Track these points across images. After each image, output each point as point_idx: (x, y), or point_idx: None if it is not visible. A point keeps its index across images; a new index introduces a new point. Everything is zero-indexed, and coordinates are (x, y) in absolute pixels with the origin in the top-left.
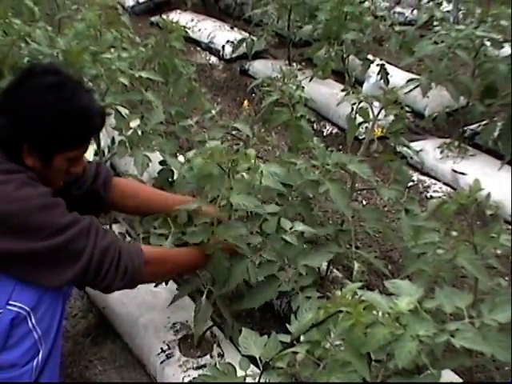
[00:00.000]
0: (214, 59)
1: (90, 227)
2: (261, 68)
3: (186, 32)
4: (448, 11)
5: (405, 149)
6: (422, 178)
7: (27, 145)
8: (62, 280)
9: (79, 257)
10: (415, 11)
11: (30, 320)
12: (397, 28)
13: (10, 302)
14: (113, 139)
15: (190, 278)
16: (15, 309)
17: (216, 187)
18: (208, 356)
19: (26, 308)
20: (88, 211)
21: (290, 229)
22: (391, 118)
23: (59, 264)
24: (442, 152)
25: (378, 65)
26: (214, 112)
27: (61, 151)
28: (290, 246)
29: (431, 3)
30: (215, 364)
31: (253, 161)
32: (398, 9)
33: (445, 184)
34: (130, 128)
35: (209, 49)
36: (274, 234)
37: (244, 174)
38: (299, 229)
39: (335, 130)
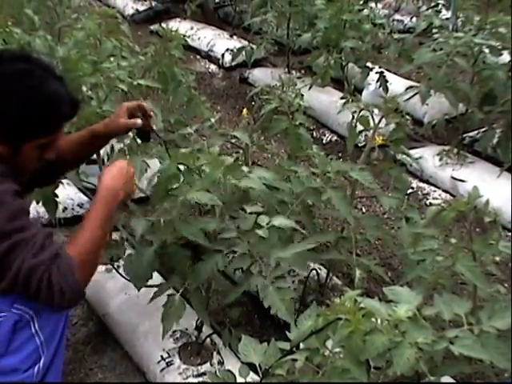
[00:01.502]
0: (213, 67)
1: (28, 241)
2: (260, 76)
3: (186, 40)
4: (447, 19)
5: (404, 156)
6: (422, 185)
7: None
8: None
9: (9, 268)
10: (414, 19)
11: (34, 325)
12: (396, 36)
13: (15, 306)
14: (112, 147)
15: (169, 276)
16: (19, 312)
17: (179, 186)
18: (208, 364)
19: (30, 312)
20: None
21: (267, 224)
22: (391, 126)
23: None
24: (441, 159)
25: (377, 72)
26: (213, 120)
27: (29, 139)
28: (264, 240)
29: (430, 11)
30: (215, 372)
31: (214, 157)
32: (397, 16)
33: (444, 191)
34: (129, 136)
35: (208, 57)
36: (251, 229)
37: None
38: (275, 223)
39: (334, 138)
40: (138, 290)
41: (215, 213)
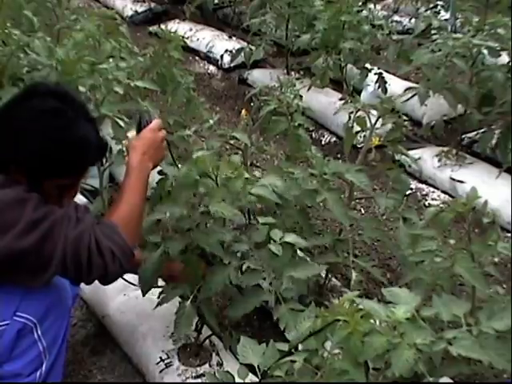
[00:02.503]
0: (212, 68)
1: (62, 219)
2: (259, 77)
3: (185, 42)
4: (446, 20)
5: (403, 157)
6: (421, 186)
7: (15, 166)
8: (40, 281)
9: (52, 254)
10: (413, 20)
11: (36, 331)
12: (394, 37)
13: (18, 314)
14: (110, 149)
15: (177, 284)
16: (22, 320)
17: (199, 194)
18: (207, 365)
19: (33, 319)
20: None
21: (280, 239)
22: (389, 126)
23: (36, 264)
24: (440, 160)
25: (376, 73)
26: (212, 121)
27: (49, 178)
28: (277, 256)
29: (429, 12)
30: (214, 373)
31: (236, 168)
32: (396, 17)
33: (443, 192)
34: (128, 137)
35: (207, 58)
36: (263, 243)
37: (228, 181)
38: (288, 240)
39: (333, 139)
40: (144, 295)
41: (224, 221)
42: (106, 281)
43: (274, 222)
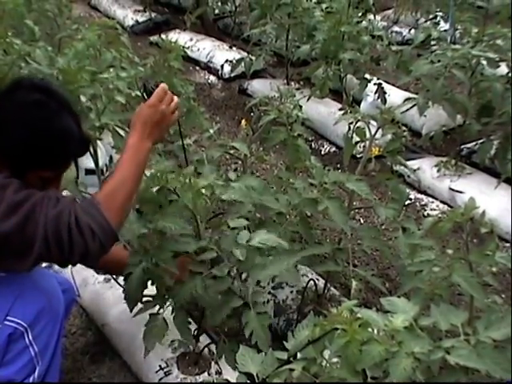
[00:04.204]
0: (212, 78)
1: (43, 199)
2: (259, 87)
3: (185, 52)
4: (445, 31)
5: (402, 167)
6: (420, 196)
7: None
8: (27, 264)
9: (34, 235)
10: (413, 30)
11: (27, 336)
12: (394, 47)
13: (8, 318)
14: (111, 158)
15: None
16: (13, 324)
17: (153, 211)
18: (206, 373)
19: (24, 324)
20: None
21: (247, 241)
22: (388, 136)
23: (20, 247)
24: (439, 170)
25: (375, 84)
26: (212, 131)
27: (33, 169)
28: (245, 259)
29: (428, 23)
30: (213, 381)
31: (188, 179)
32: (396, 28)
33: (442, 202)
34: None
35: (208, 68)
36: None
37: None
38: (254, 242)
39: (333, 149)
40: (131, 311)
41: (198, 229)
42: (88, 260)
43: (244, 224)
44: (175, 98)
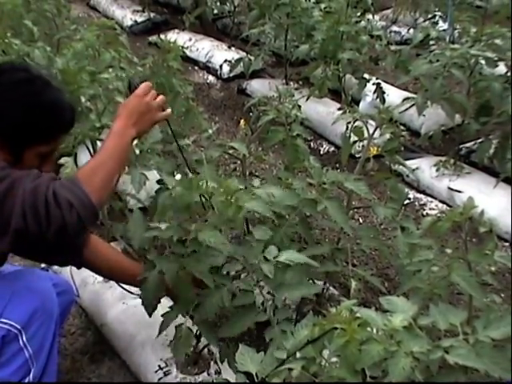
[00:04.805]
0: (211, 78)
1: (22, 176)
2: (258, 87)
3: (184, 52)
4: (444, 30)
5: (401, 167)
6: (418, 195)
7: None
8: (5, 241)
9: (12, 209)
10: (411, 30)
11: (21, 338)
12: (393, 47)
13: (1, 320)
14: None
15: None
16: (6, 326)
17: (191, 220)
18: (205, 373)
19: (17, 326)
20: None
21: (274, 258)
22: (387, 136)
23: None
24: (437, 170)
25: (374, 84)
26: (211, 131)
27: (31, 145)
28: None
29: (427, 22)
30: (212, 381)
31: (229, 193)
32: (394, 28)
33: (441, 202)
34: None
35: (206, 68)
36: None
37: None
38: (282, 259)
39: (332, 149)
40: (150, 316)
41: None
42: (66, 235)
43: (269, 236)
44: (161, 96)
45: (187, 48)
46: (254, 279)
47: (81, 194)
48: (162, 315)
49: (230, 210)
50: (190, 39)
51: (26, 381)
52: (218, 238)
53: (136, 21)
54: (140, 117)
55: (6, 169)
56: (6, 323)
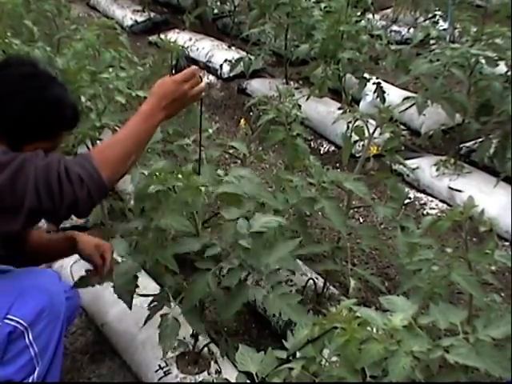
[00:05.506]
0: (211, 78)
1: (31, 156)
2: (258, 87)
3: (184, 51)
4: (444, 30)
5: (401, 166)
6: (419, 195)
7: None
8: (19, 220)
9: (25, 187)
10: (411, 30)
11: (28, 336)
12: (393, 46)
13: (8, 317)
14: None
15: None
16: (13, 323)
17: (153, 208)
18: (205, 372)
19: (24, 323)
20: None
21: (247, 230)
22: (387, 135)
23: (12, 202)
24: (438, 169)
25: (374, 83)
26: (211, 131)
27: (30, 141)
28: (248, 249)
29: (427, 22)
30: (213, 381)
31: (187, 178)
32: (395, 27)
33: (441, 201)
34: None
35: (207, 68)
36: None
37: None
38: (256, 228)
39: (332, 148)
40: (130, 309)
41: (197, 228)
42: (78, 211)
43: (239, 215)
44: (202, 84)
45: (187, 48)
46: (239, 257)
47: (91, 169)
48: (151, 295)
49: (189, 193)
50: (190, 39)
51: (31, 379)
52: (180, 222)
53: (136, 20)
54: (172, 103)
55: (9, 152)
56: (12, 319)
